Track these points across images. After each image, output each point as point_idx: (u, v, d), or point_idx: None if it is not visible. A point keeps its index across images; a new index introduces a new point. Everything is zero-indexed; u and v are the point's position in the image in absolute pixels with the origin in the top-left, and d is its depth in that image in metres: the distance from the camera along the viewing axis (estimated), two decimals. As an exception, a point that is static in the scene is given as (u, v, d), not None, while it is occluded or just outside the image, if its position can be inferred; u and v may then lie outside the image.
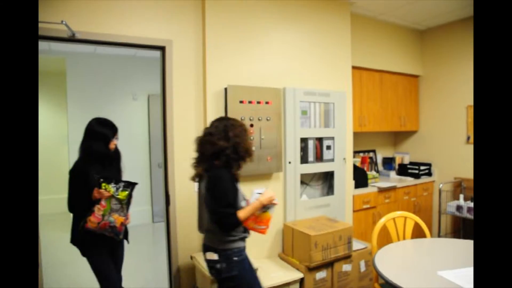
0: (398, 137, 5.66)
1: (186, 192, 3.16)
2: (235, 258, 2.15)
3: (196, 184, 2.38)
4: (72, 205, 2.44)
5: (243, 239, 2.23)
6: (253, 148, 3.25)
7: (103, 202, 2.40)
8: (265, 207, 2.21)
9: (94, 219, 2.38)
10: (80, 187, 2.39)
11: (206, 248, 2.21)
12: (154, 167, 6.34)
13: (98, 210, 2.39)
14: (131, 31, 2.95)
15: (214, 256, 2.14)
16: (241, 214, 2.09)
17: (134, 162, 6.19)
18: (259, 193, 2.21)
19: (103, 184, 2.40)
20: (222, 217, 2.06)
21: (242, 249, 2.20)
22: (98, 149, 2.44)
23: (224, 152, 2.13)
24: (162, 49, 3.10)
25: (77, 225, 2.43)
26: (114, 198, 2.43)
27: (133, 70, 6.20)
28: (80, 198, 2.40)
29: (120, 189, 2.46)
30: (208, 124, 2.34)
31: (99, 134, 2.45)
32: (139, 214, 6.28)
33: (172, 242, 3.13)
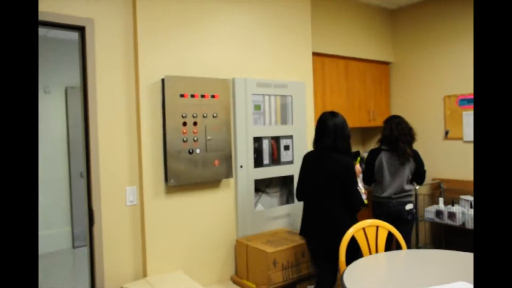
0: (367, 133, 5.87)
1: (115, 207, 3.08)
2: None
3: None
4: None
5: None
6: (197, 151, 3.26)
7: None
8: None
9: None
10: None
11: (404, 203, 3.83)
12: (75, 178, 6.09)
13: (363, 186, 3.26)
14: (40, 5, 2.84)
15: (411, 206, 3.87)
16: None
17: (48, 171, 5.88)
18: None
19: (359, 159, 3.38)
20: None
21: None
22: None
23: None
24: (81, 29, 3.01)
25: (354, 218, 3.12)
26: None
27: (44, 56, 5.91)
28: None
29: None
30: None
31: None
32: (56, 238, 5.95)
33: (97, 270, 3.03)
